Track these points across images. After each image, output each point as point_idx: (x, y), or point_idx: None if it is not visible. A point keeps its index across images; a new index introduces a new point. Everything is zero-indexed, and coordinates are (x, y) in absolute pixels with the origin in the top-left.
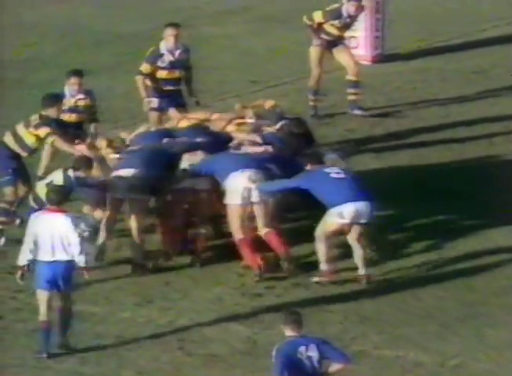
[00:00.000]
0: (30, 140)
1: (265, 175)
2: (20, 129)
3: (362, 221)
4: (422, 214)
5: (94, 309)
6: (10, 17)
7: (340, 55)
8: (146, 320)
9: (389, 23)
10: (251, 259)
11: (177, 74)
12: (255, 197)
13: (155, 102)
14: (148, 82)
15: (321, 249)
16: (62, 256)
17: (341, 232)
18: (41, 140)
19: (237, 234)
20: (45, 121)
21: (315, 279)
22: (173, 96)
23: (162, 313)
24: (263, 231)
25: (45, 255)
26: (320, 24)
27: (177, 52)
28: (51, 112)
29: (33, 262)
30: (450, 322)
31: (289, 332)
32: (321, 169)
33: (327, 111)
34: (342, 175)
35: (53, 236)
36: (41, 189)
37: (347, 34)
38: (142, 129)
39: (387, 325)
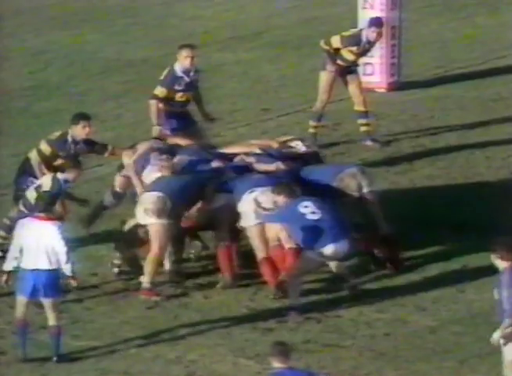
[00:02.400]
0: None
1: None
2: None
3: (341, 257)
4: (437, 245)
5: (99, 344)
6: (16, 44)
7: (350, 83)
8: (154, 356)
9: (406, 49)
10: (270, 278)
11: (189, 95)
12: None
13: (169, 124)
14: (160, 106)
15: (294, 286)
16: (44, 265)
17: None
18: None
19: (259, 253)
20: (59, 140)
21: (287, 317)
22: (183, 117)
23: (170, 348)
24: (259, 256)
25: (28, 263)
26: (337, 49)
27: (191, 74)
28: (76, 131)
29: (17, 269)
30: (468, 358)
31: (276, 364)
32: (294, 207)
33: (342, 141)
34: (318, 216)
35: (39, 244)
36: (30, 193)
37: (361, 60)
38: (143, 147)
39: (402, 361)
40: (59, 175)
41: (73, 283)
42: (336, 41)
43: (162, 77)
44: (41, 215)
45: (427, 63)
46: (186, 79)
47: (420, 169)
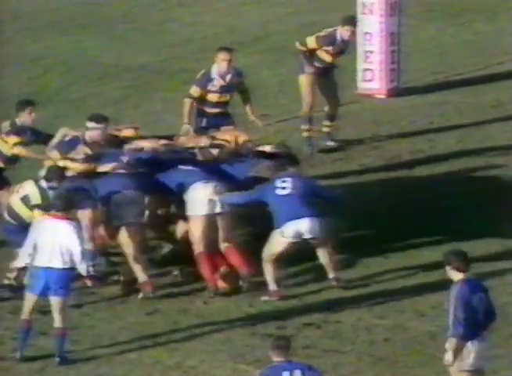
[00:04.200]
0: (3, 148)
1: (225, 185)
2: None
3: (309, 236)
4: (437, 250)
5: (99, 350)
6: (15, 50)
7: (324, 85)
8: (153, 361)
9: (405, 55)
10: (208, 275)
11: (227, 97)
12: (219, 208)
13: (199, 123)
14: (194, 105)
15: (269, 269)
16: (57, 264)
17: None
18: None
19: (198, 246)
20: (17, 129)
21: (265, 298)
22: (219, 118)
23: (170, 354)
24: (224, 245)
25: (41, 260)
26: (313, 51)
27: (228, 77)
28: (23, 118)
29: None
30: None
31: (275, 357)
32: (271, 184)
33: (341, 146)
34: (288, 191)
35: (54, 242)
36: (15, 203)
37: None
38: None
39: (402, 366)
40: (44, 183)
41: (89, 283)
42: (311, 42)
43: (198, 77)
44: (58, 213)
45: (426, 68)
46: (221, 81)
47: (419, 175)
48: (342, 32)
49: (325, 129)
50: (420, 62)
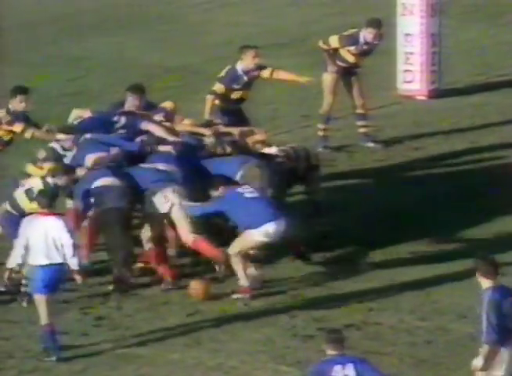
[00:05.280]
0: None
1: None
2: None
3: (281, 237)
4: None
5: (141, 351)
6: (56, 51)
7: (351, 86)
8: (196, 362)
9: (446, 57)
10: (165, 269)
11: (247, 93)
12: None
13: (222, 120)
14: (216, 102)
15: (239, 266)
16: (56, 259)
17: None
18: (16, 135)
19: (154, 243)
20: (16, 116)
21: (236, 296)
22: (236, 114)
23: (211, 355)
24: (190, 239)
25: (39, 259)
26: (336, 50)
27: (251, 73)
28: (15, 104)
29: (21, 266)
30: None
31: (329, 351)
32: (234, 190)
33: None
34: (256, 194)
35: (47, 239)
36: (20, 196)
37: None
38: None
39: (443, 368)
40: (50, 179)
41: (79, 278)
42: (334, 41)
43: (222, 74)
44: (45, 210)
45: (467, 70)
46: (245, 78)
47: (461, 176)
48: (365, 34)
49: (361, 130)
50: (461, 63)
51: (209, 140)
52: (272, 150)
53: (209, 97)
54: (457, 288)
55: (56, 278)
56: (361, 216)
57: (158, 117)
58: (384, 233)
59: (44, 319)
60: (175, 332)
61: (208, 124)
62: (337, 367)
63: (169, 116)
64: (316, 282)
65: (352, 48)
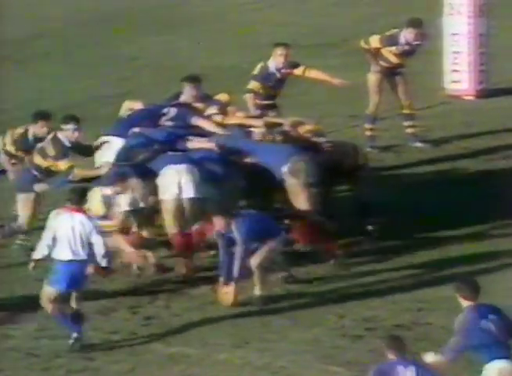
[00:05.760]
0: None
1: (200, 172)
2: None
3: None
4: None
5: (189, 351)
6: (106, 51)
7: (397, 86)
8: (243, 362)
9: (493, 57)
10: (183, 257)
11: (279, 91)
12: (186, 192)
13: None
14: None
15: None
16: (79, 255)
17: None
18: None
19: (170, 229)
20: (61, 148)
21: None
22: (269, 110)
23: (259, 355)
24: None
25: (62, 254)
26: (378, 50)
27: (284, 71)
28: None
29: (48, 257)
30: None
31: (391, 355)
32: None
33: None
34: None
35: (74, 235)
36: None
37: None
38: None
39: None
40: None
41: (104, 275)
42: (375, 41)
43: (255, 72)
44: (74, 206)
45: None
46: (277, 75)
47: (510, 175)
48: (406, 34)
49: (409, 130)
50: (509, 63)
51: (259, 131)
52: (321, 140)
53: (248, 95)
54: (508, 288)
55: (77, 274)
56: (408, 216)
57: (213, 109)
58: (432, 233)
59: (50, 309)
60: (223, 332)
61: (259, 116)
62: (400, 368)
63: (223, 108)
64: (365, 282)
65: (393, 48)
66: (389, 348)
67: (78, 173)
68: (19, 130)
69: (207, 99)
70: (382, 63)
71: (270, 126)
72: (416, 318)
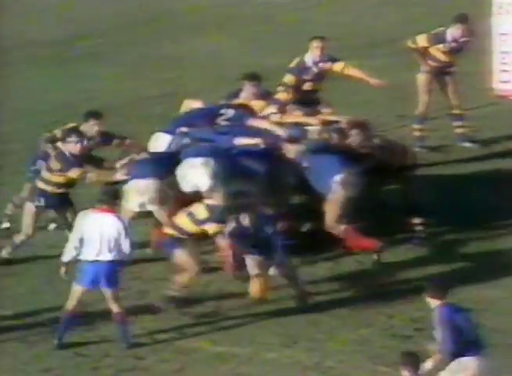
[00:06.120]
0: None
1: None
2: None
3: None
4: None
5: (238, 350)
6: (155, 51)
7: (446, 86)
8: (292, 362)
9: None
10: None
11: (319, 85)
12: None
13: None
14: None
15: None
16: (105, 256)
17: None
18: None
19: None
20: (67, 160)
21: None
22: (309, 105)
23: (308, 354)
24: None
25: (89, 254)
26: (426, 49)
27: (321, 64)
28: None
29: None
30: None
31: (404, 372)
32: None
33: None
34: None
35: (102, 235)
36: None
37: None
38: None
39: None
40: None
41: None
42: (422, 40)
43: (292, 65)
44: (105, 207)
45: None
46: (315, 70)
47: None
48: (452, 30)
49: (458, 131)
50: None
51: (315, 129)
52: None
53: (279, 88)
54: None
55: (103, 274)
56: (457, 216)
57: (272, 108)
58: (481, 233)
59: (69, 305)
60: (271, 331)
61: (315, 113)
62: None
63: (282, 107)
64: (414, 282)
65: (441, 46)
66: (403, 365)
67: (92, 178)
68: (70, 127)
69: (268, 96)
70: (431, 62)
71: (326, 124)
72: None
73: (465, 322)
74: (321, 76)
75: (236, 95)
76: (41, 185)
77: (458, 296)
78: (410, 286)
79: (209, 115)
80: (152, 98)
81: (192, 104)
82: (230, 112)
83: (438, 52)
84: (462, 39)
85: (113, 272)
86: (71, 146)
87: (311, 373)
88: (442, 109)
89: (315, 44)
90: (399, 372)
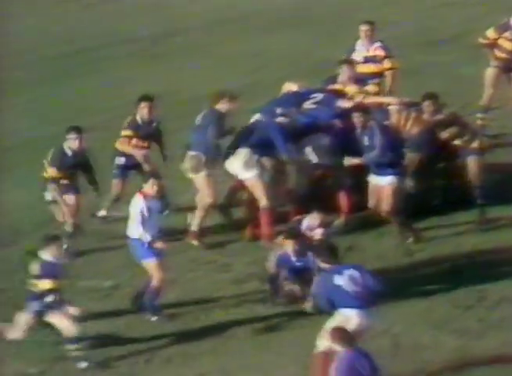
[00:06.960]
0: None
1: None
2: None
3: None
4: None
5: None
6: (240, 46)
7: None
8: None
9: None
10: (266, 228)
11: (370, 67)
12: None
13: None
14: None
15: None
16: (132, 234)
17: None
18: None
19: (262, 201)
20: (55, 158)
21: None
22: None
23: (379, 322)
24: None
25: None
26: (495, 42)
27: (370, 48)
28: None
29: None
30: None
31: (337, 347)
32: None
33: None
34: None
35: (130, 214)
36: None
37: None
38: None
39: None
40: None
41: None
42: (491, 33)
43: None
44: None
45: None
46: (364, 52)
47: None
48: None
49: None
50: None
51: (395, 108)
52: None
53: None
54: None
55: (137, 249)
56: None
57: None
58: None
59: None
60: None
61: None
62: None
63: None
64: (476, 258)
65: (507, 33)
66: (334, 339)
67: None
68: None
69: (361, 81)
70: (501, 54)
71: (406, 105)
72: None
73: (350, 279)
74: (371, 59)
75: (334, 79)
76: None
77: None
78: (473, 261)
79: (299, 98)
80: (239, 87)
81: (290, 87)
82: (320, 96)
83: (505, 42)
84: None
85: (137, 248)
86: (70, 142)
87: (381, 339)
88: (504, 99)
89: (364, 27)
90: (460, 340)
